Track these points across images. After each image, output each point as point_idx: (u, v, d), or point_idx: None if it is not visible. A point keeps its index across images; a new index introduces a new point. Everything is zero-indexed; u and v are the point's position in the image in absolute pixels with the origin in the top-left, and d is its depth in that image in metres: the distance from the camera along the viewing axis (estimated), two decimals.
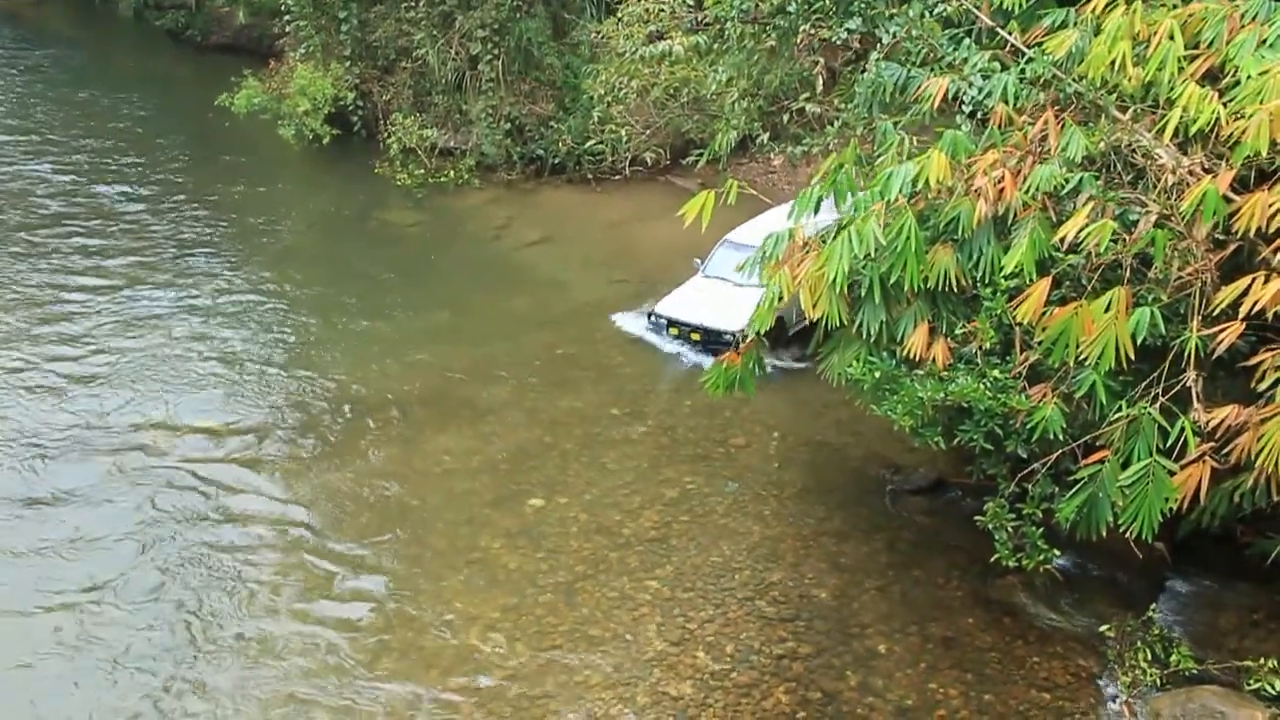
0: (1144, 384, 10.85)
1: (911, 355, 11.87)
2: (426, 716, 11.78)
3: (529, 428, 16.90)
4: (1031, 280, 10.94)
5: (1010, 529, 12.11)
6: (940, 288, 11.71)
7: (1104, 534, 11.07)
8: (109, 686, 12.08)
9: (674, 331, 18.97)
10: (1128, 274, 10.85)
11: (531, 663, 12.41)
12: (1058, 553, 12.05)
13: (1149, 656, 11.93)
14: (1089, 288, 10.97)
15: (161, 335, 19.42)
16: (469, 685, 12.11)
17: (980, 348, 11.68)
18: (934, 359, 11.72)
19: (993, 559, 12.31)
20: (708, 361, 17.15)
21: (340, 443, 16.61)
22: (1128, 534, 10.73)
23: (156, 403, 17.34)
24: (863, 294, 12.30)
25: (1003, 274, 11.33)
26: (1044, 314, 10.87)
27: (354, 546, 14.37)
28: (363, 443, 16.63)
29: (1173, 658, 11.89)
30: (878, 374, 12.28)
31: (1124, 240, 10.80)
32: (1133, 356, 10.51)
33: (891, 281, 11.90)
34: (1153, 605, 12.60)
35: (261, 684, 12.15)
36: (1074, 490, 11.07)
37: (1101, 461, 10.79)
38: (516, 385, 18.15)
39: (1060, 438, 11.14)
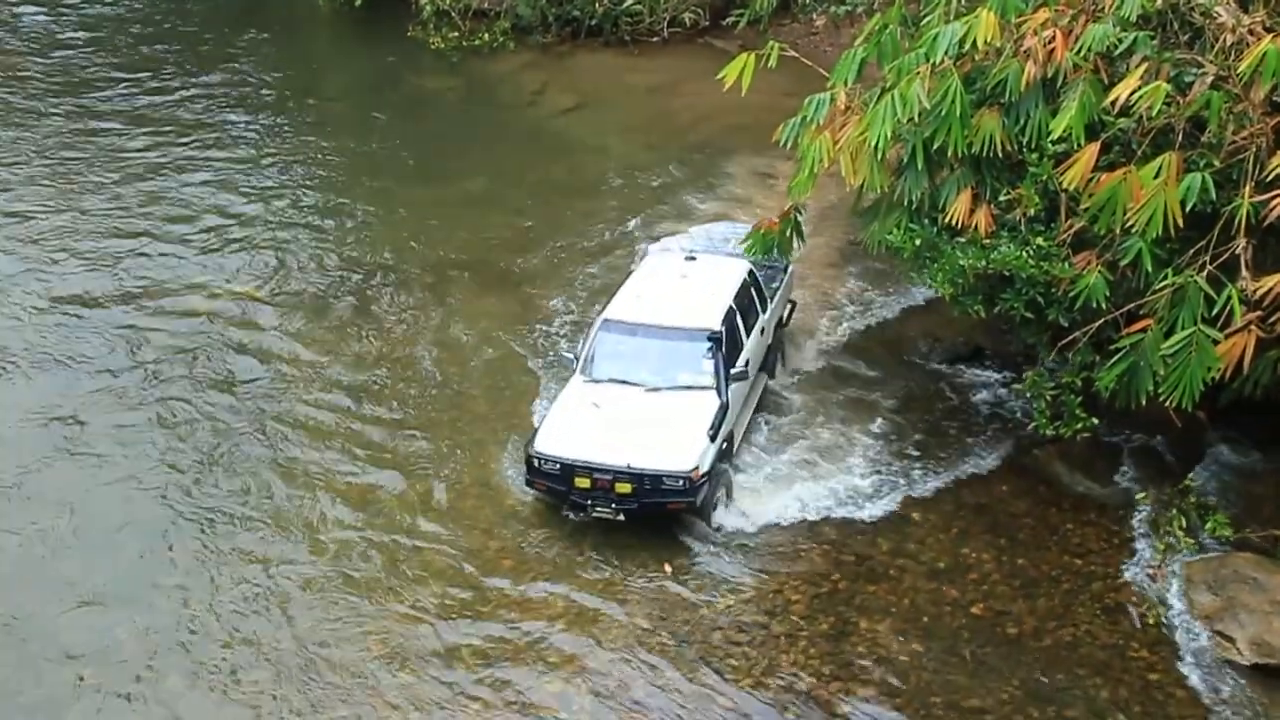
0: (1191, 252, 10.64)
1: (953, 222, 11.68)
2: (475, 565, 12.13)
3: (565, 296, 16.88)
4: (1079, 145, 10.66)
5: (1049, 397, 12.07)
6: (985, 153, 11.45)
7: (1143, 403, 11.01)
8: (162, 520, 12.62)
9: (582, 482, 11.91)
10: (1180, 138, 10.55)
11: None
12: (1095, 421, 12.02)
13: (1184, 524, 11.98)
14: (1139, 153, 10.68)
15: (193, 203, 19.44)
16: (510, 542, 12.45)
17: (1024, 215, 11.46)
18: (976, 226, 11.53)
19: (1030, 427, 12.32)
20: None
21: (378, 309, 16.68)
22: (1168, 403, 10.66)
23: (193, 268, 17.48)
24: (905, 160, 12.07)
25: (1050, 139, 11.04)
26: (1091, 180, 10.62)
27: (392, 410, 14.56)
28: (401, 309, 16.71)
29: (1208, 525, 11.93)
30: (918, 242, 12.12)
31: (1177, 103, 10.47)
32: (1181, 224, 10.28)
33: (935, 147, 11.66)
34: (1190, 474, 12.62)
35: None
36: (1115, 359, 10.97)
37: (1144, 330, 10.66)
38: (553, 253, 18.08)
39: (1103, 306, 11.00)
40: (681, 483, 11.70)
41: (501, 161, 21.14)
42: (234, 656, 10.95)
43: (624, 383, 12.69)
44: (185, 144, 21.50)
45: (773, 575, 11.90)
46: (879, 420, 14.16)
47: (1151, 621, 11.32)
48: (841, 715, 10.38)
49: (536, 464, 12.16)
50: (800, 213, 13.80)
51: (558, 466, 12.00)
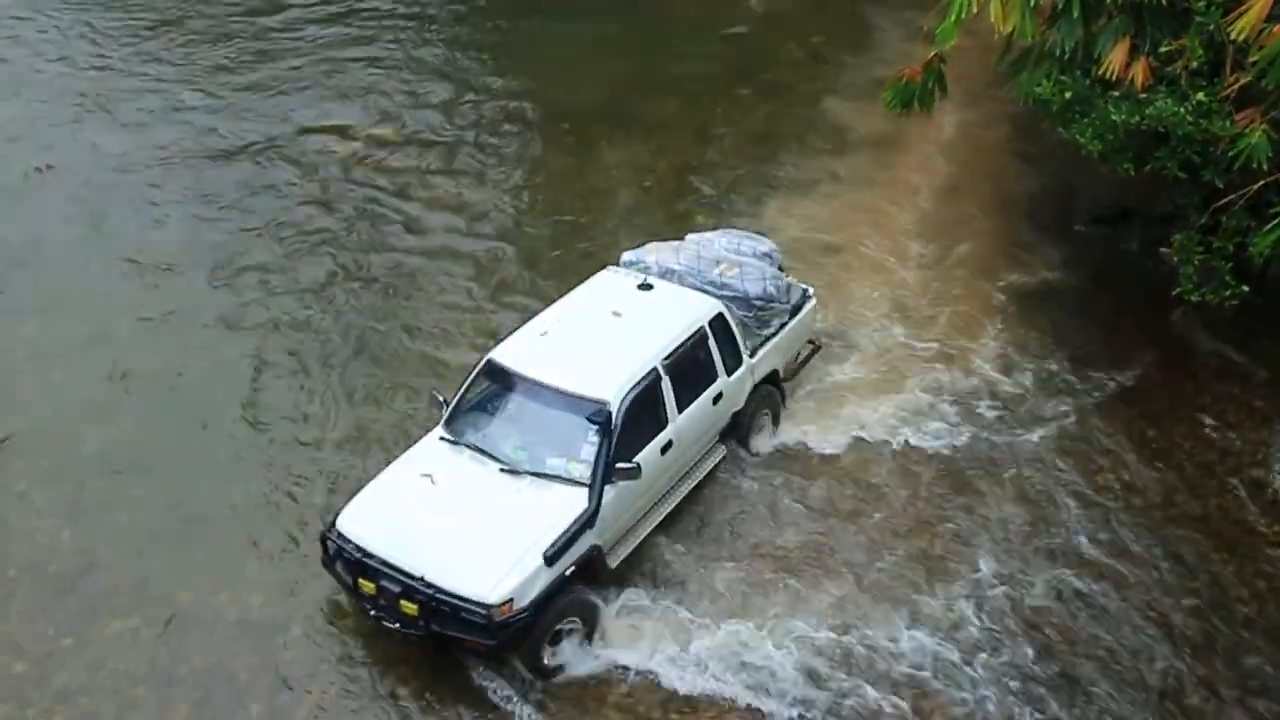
0: None
1: (1108, 75, 11.06)
2: None
3: (697, 145, 16.60)
4: None
5: (1197, 262, 11.53)
6: (1146, 0, 10.75)
7: None
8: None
9: (366, 586, 9.11)
10: None
11: None
12: (1245, 289, 11.46)
13: None
14: None
15: (328, 46, 19.48)
16: None
17: (1185, 67, 10.78)
18: (1133, 79, 10.90)
19: (1175, 293, 11.83)
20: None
21: (509, 153, 16.69)
22: None
23: (328, 110, 17.66)
24: (1059, 6, 11.41)
25: None
26: (1263, 31, 9.91)
27: (520, 251, 14.66)
28: (531, 153, 16.71)
29: None
30: (1069, 95, 11.53)
31: None
32: None
33: None
34: None
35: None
36: (1272, 224, 10.40)
37: None
38: (687, 101, 17.72)
39: (1264, 167, 10.36)
40: (480, 617, 8.67)
41: (633, 3, 20.63)
42: None
43: (481, 452, 9.71)
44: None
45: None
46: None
47: None
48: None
49: (330, 547, 9.34)
50: (944, 62, 13.21)
51: (352, 556, 9.13)
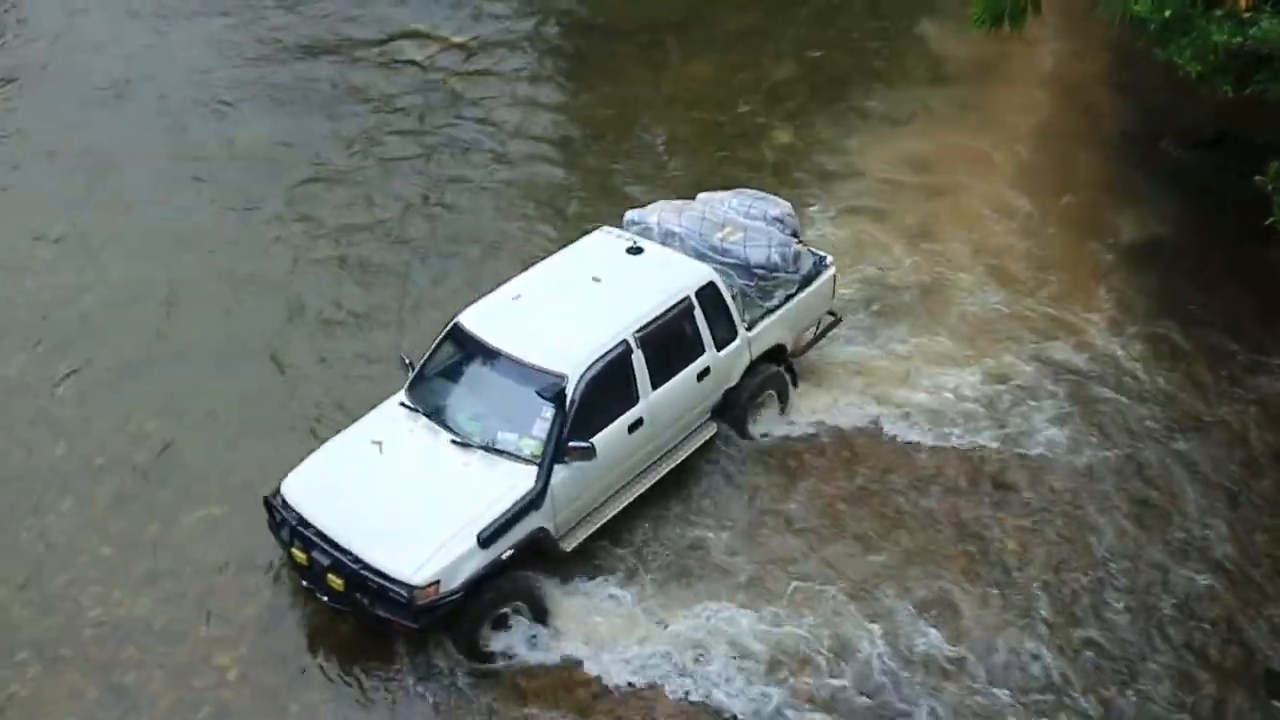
0: None
1: None
2: None
3: (779, 60, 16.32)
4: None
5: None
6: None
7: None
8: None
9: (298, 555, 8.81)
10: None
11: None
12: None
13: None
14: None
15: None
16: None
17: None
18: None
19: (1267, 222, 11.44)
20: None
21: (589, 63, 16.60)
22: None
23: (408, 15, 17.55)
24: None
25: None
26: None
27: (599, 160, 14.63)
28: (611, 65, 16.55)
29: None
30: (1168, 13, 11.09)
31: None
32: None
33: None
34: None
35: None
36: None
37: None
38: (768, 12, 17.32)
39: None
40: (403, 597, 8.27)
41: None
42: None
43: (438, 420, 9.26)
44: None
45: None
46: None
47: None
48: None
49: (274, 512, 9.02)
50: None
51: (289, 523, 8.85)
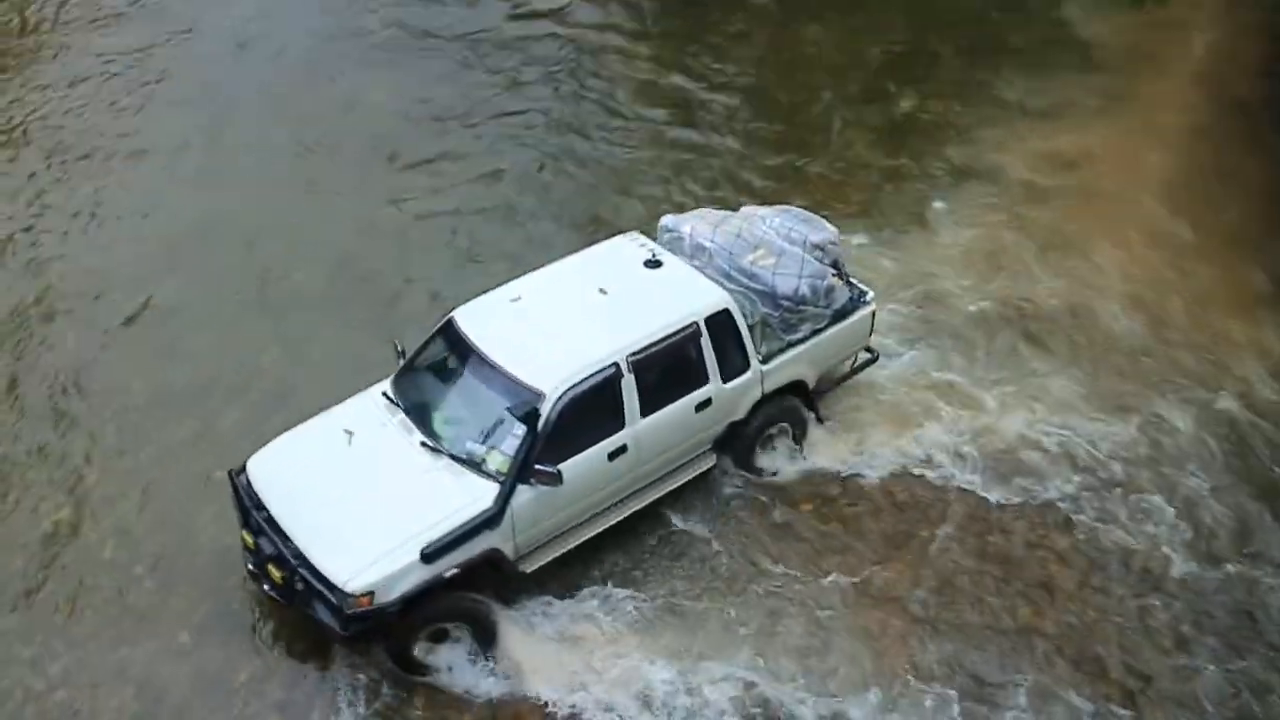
0: None
1: None
2: None
3: (903, 27, 15.20)
4: None
5: None
6: None
7: None
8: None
9: (247, 538, 8.47)
10: None
11: None
12: None
13: None
14: None
15: None
16: None
17: None
18: None
19: None
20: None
21: (702, 21, 15.52)
22: None
23: None
24: None
25: None
26: None
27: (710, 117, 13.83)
28: (727, 25, 15.49)
29: None
30: None
31: None
32: None
33: None
34: None
35: None
36: None
37: None
38: None
39: None
40: (334, 603, 7.87)
41: None
42: None
43: (414, 418, 8.72)
44: None
45: None
46: None
47: None
48: None
49: (236, 487, 8.61)
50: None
51: (245, 503, 8.48)
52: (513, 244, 11.92)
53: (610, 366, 8.55)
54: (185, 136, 13.48)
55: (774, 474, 9.74)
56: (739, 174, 12.95)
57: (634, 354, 8.63)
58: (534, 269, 9.50)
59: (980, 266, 11.62)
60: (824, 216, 10.05)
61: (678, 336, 8.85)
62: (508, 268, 10.28)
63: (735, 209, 10.30)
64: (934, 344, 10.80)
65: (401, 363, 9.06)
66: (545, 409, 8.25)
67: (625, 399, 8.64)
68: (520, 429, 8.22)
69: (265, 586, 8.28)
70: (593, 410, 8.52)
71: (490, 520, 8.11)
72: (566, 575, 8.82)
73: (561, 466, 8.28)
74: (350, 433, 8.64)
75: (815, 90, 14.29)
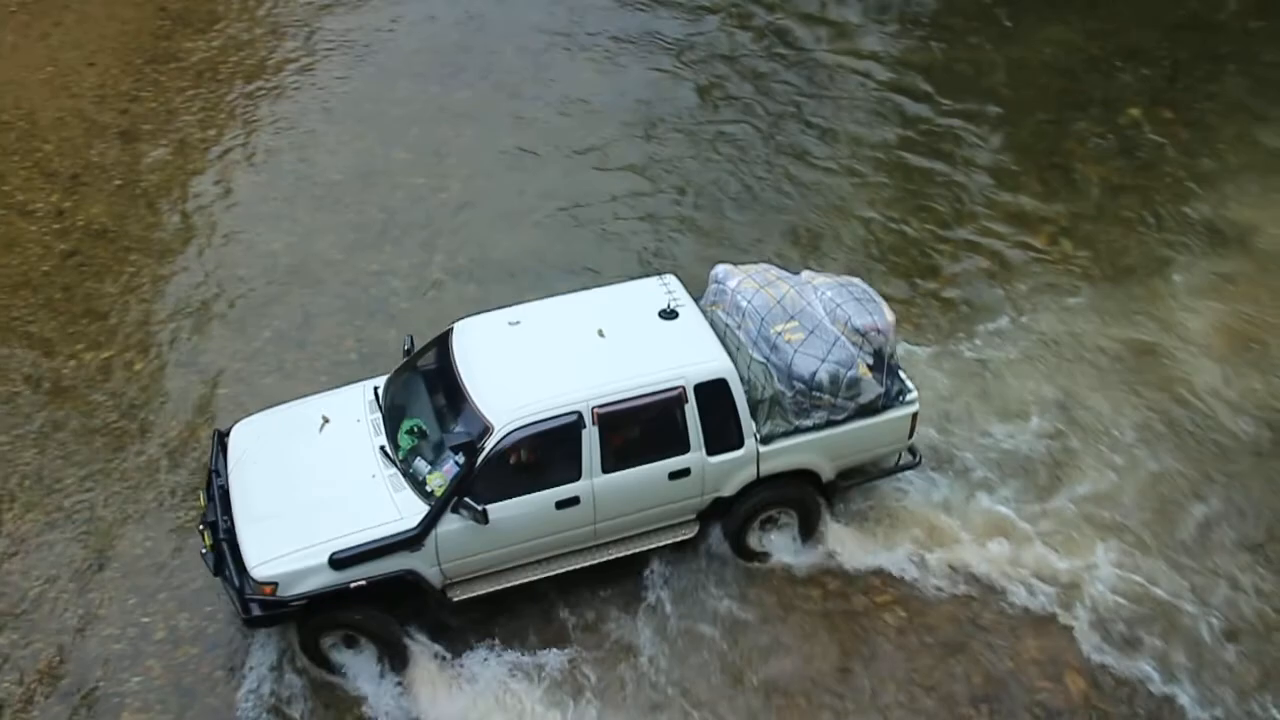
0: None
1: None
2: None
3: (1147, 27, 14.41)
4: None
5: None
6: None
7: None
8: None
9: (202, 499, 9.14)
10: None
11: None
12: None
13: None
14: None
15: None
16: None
17: None
18: None
19: None
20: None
21: (936, 20, 15.50)
22: None
23: None
24: None
25: None
26: None
27: (940, 115, 13.92)
28: (959, 25, 15.37)
29: None
30: None
31: None
32: None
33: None
34: None
35: None
36: None
37: None
38: None
39: None
40: (240, 582, 8.21)
41: None
42: None
43: (386, 421, 8.89)
44: None
45: None
46: None
47: None
48: None
49: (215, 440, 9.08)
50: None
51: (211, 464, 8.94)
52: (687, 252, 12.29)
53: (572, 414, 8.41)
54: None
55: (764, 559, 9.50)
56: (970, 205, 12.60)
57: (601, 405, 8.44)
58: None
59: (1217, 358, 10.54)
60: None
61: (658, 397, 8.60)
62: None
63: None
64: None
65: (402, 362, 9.33)
66: (489, 443, 8.27)
67: (585, 450, 8.50)
68: (458, 463, 8.33)
69: (202, 551, 8.70)
70: (545, 454, 8.50)
71: (409, 541, 8.28)
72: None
73: (500, 505, 8.33)
74: (326, 420, 8.95)
75: (1061, 121, 13.66)
